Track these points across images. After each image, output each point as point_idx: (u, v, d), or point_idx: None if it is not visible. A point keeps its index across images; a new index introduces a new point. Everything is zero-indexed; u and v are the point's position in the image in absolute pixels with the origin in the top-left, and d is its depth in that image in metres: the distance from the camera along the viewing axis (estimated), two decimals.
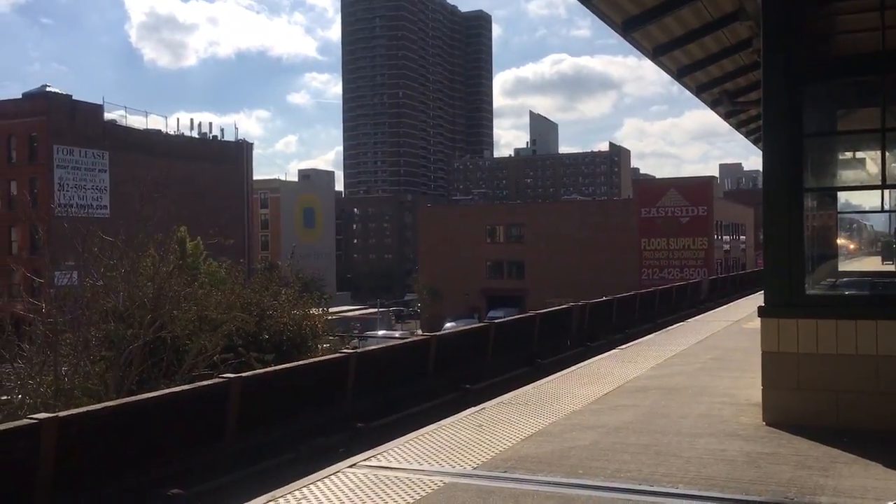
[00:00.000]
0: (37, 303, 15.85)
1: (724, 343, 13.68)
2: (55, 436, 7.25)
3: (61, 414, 7.74)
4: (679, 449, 6.24)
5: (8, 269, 34.36)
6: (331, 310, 28.11)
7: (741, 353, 11.86)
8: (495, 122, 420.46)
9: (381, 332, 54.90)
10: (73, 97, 69.38)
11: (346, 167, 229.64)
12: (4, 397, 13.58)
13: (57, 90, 71.12)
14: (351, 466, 5.93)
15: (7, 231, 64.59)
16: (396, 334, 53.57)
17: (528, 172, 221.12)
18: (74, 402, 12.46)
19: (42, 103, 66.63)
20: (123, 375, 13.94)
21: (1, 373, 14.22)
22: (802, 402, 6.81)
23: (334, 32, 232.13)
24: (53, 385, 13.49)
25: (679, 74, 11.05)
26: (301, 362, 11.85)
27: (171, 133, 79.04)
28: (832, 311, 6.93)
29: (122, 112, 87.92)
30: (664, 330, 16.74)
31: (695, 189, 71.30)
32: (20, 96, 70.66)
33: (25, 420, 7.58)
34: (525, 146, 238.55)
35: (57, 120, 65.51)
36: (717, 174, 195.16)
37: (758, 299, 10.51)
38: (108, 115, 71.83)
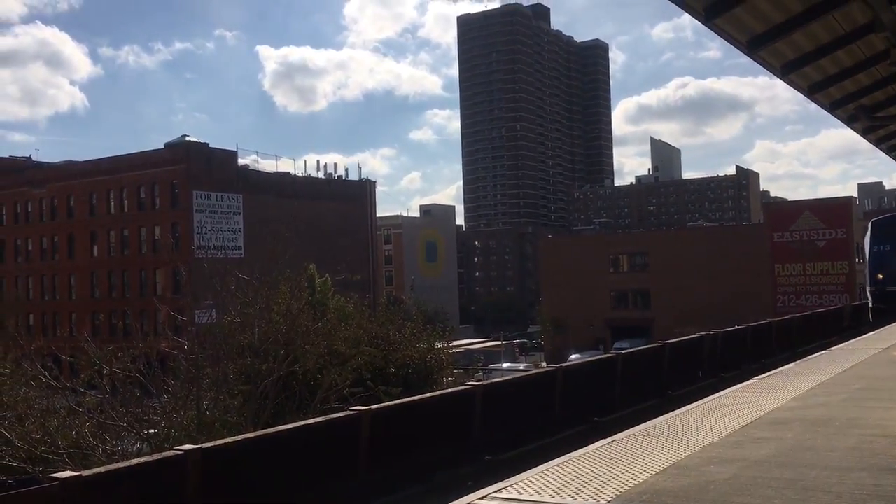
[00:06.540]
0: (180, 340, 16.79)
1: (872, 372, 12.81)
2: (199, 466, 7.61)
3: (204, 445, 8.12)
4: (828, 484, 5.87)
5: (153, 308, 36.58)
6: (454, 343, 28.34)
7: (892, 381, 11.09)
8: (619, 150, 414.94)
9: (505, 365, 54.75)
10: (210, 145, 73.67)
11: (466, 201, 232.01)
12: (152, 430, 14.37)
13: (195, 139, 75.81)
14: (482, 498, 5.91)
15: (152, 273, 68.93)
16: (521, 367, 53.28)
17: (650, 199, 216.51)
18: (215, 434, 13.05)
19: (181, 152, 71.11)
20: (260, 408, 14.51)
21: (148, 407, 15.05)
22: None
23: (457, 69, 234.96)
24: (196, 418, 14.18)
25: (810, 91, 10.61)
26: (428, 395, 11.95)
27: (299, 175, 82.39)
28: None
29: (254, 157, 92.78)
30: (804, 359, 15.86)
31: (832, 210, 67.65)
32: (162, 146, 75.78)
33: (171, 451, 7.99)
34: (647, 173, 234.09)
35: (195, 167, 69.62)
36: (855, 194, 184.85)
37: None
38: (241, 160, 75.84)
